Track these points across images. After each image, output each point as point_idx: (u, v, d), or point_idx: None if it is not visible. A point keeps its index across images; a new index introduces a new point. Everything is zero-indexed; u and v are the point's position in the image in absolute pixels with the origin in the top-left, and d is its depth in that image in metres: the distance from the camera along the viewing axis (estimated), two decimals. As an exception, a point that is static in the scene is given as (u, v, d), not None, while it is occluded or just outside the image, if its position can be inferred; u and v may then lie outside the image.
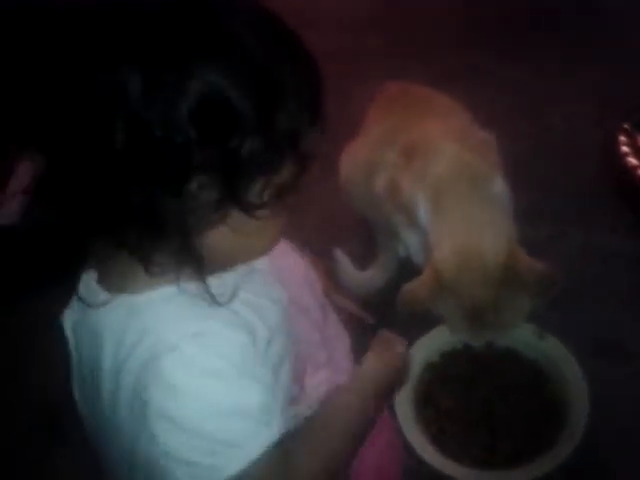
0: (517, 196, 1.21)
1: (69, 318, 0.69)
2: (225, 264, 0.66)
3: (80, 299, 0.66)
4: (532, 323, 1.19)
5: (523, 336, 1.18)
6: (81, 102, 0.56)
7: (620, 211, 1.49)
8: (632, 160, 1.48)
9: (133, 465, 0.67)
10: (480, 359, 1.19)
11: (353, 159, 1.34)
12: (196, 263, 0.61)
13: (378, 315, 1.35)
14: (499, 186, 1.17)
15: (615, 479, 1.10)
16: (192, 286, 0.62)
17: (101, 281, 0.65)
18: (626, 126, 1.54)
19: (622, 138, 1.52)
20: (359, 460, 0.77)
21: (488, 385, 1.15)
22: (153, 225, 0.58)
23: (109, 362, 0.64)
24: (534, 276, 1.05)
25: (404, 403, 1.09)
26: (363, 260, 1.41)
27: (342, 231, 1.44)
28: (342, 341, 0.89)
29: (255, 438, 0.61)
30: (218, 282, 0.63)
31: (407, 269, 1.37)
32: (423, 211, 1.15)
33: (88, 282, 0.66)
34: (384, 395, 0.80)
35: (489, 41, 1.92)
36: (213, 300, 0.62)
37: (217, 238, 0.61)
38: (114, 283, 0.64)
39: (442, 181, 1.14)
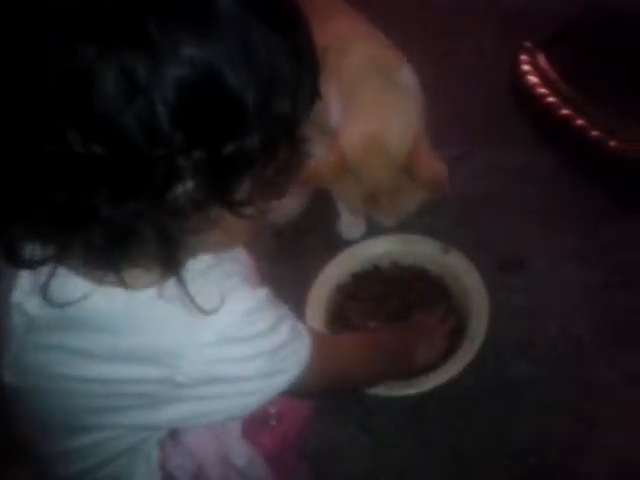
0: (424, 118, 1.23)
1: (20, 300, 0.63)
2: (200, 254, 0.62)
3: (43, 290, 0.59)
4: (437, 240, 1.24)
5: (429, 252, 1.23)
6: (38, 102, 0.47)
7: (523, 128, 1.53)
8: (533, 78, 1.51)
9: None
10: (389, 278, 1.23)
11: None
12: (179, 271, 0.56)
13: (293, 242, 1.40)
14: (409, 77, 1.19)
15: (514, 377, 1.18)
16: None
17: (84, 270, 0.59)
18: (528, 45, 1.56)
19: (523, 57, 1.54)
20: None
21: (397, 302, 1.19)
22: (128, 237, 0.52)
23: (100, 351, 0.62)
24: (429, 171, 1.09)
25: (316, 322, 1.12)
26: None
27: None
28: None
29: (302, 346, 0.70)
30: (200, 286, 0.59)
31: (319, 195, 1.40)
32: (335, 110, 1.15)
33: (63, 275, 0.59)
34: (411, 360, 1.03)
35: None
36: (199, 309, 0.58)
37: (204, 240, 0.56)
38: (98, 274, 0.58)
39: (355, 74, 1.15)
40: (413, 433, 1.12)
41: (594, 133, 1.39)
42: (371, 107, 1.13)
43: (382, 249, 1.24)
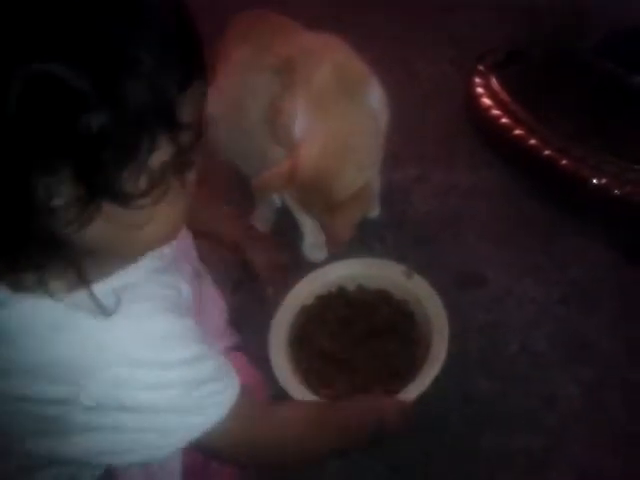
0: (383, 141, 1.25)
1: None
2: (121, 261, 0.60)
3: None
4: (401, 263, 1.26)
5: (393, 277, 1.23)
6: None
7: (479, 149, 1.57)
8: (486, 101, 1.55)
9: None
10: (354, 301, 1.23)
11: (219, 97, 1.26)
12: (76, 269, 0.55)
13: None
14: (374, 96, 1.21)
15: (477, 394, 1.20)
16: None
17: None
18: (481, 68, 1.61)
19: (477, 80, 1.59)
20: None
21: (362, 326, 1.19)
22: (9, 238, 0.52)
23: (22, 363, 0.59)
24: (341, 225, 1.14)
25: (278, 344, 1.12)
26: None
27: (215, 190, 1.44)
28: (216, 304, 0.90)
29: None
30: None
31: (284, 219, 1.41)
32: (302, 120, 1.15)
33: None
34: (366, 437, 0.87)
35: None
36: (103, 311, 0.57)
37: (97, 236, 0.54)
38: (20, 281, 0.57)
39: (324, 87, 1.16)
40: (382, 455, 1.13)
41: (546, 152, 1.44)
42: (335, 127, 1.14)
43: (348, 271, 1.25)
